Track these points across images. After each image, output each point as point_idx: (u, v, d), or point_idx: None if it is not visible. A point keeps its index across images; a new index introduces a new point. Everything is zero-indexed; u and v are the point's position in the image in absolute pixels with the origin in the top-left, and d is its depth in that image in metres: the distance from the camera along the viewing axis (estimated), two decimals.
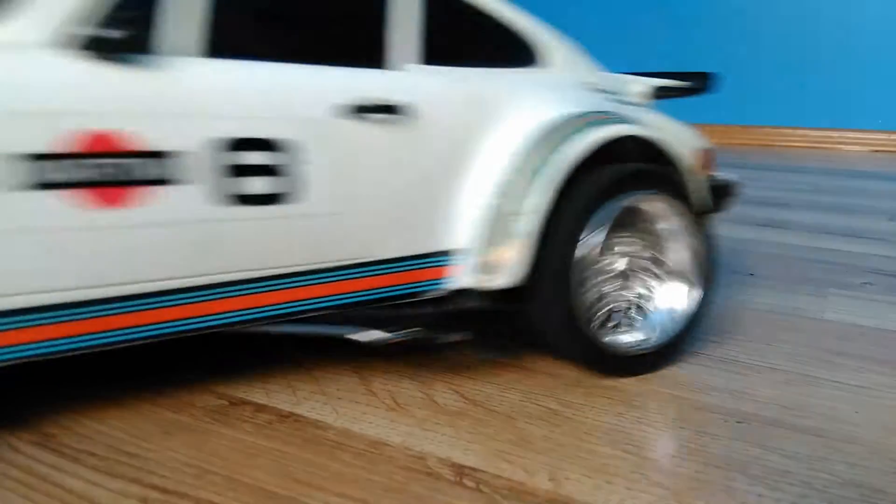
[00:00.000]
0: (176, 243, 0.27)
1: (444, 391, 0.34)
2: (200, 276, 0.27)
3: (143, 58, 0.26)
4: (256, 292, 0.29)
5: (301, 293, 0.30)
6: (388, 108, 0.32)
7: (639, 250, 0.37)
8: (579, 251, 0.33)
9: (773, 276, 0.60)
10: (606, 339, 0.35)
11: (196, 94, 0.27)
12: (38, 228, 0.24)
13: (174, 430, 0.29)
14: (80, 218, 0.25)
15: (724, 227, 0.83)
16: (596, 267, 0.34)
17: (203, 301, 0.27)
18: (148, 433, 0.29)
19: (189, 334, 0.27)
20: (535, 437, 0.30)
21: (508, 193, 0.34)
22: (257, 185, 0.28)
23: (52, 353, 0.25)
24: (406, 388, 0.34)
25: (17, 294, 0.24)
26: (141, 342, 0.26)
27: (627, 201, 0.34)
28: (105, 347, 0.26)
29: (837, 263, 0.66)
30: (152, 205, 0.26)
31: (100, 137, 0.25)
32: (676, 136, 0.39)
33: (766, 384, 0.37)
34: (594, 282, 0.35)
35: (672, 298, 0.37)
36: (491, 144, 0.35)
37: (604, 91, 0.40)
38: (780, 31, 2.48)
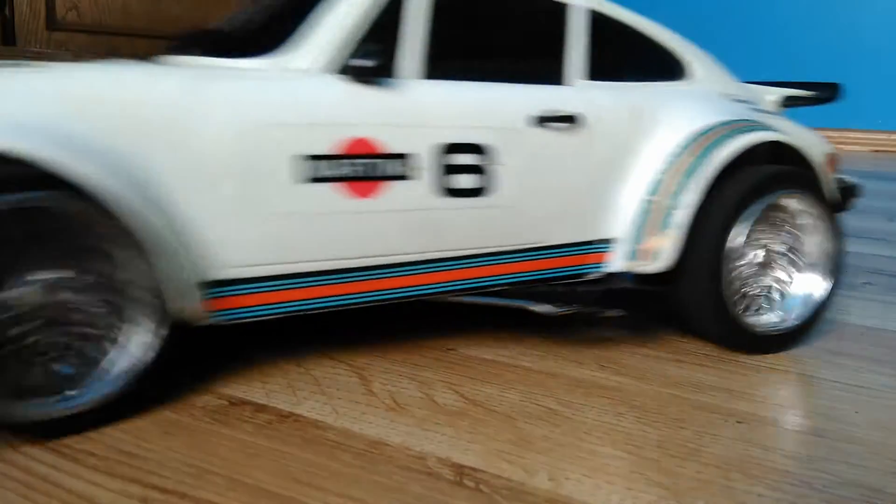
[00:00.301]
0: (406, 226, 0.34)
1: (444, 391, 0.34)
2: (421, 252, 0.34)
3: (386, 81, 0.33)
4: (460, 268, 0.35)
5: (491, 270, 0.37)
6: (565, 118, 0.38)
7: (779, 243, 0.41)
8: (728, 242, 0.37)
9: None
10: (748, 319, 0.40)
11: (423, 109, 0.34)
12: (314, 212, 0.32)
13: (174, 430, 0.29)
14: (342, 204, 0.32)
15: None
16: (740, 256, 0.39)
17: (422, 273, 0.35)
18: (148, 433, 0.29)
19: (410, 300, 0.35)
20: (535, 437, 0.30)
21: (664, 190, 0.39)
22: (465, 181, 0.35)
23: (324, 308, 0.33)
24: (406, 388, 0.34)
25: (298, 261, 0.32)
26: (377, 303, 0.34)
27: (772, 199, 0.39)
28: (358, 306, 0.34)
29: None
30: (391, 195, 0.33)
31: (357, 143, 0.32)
32: (809, 141, 0.43)
33: (766, 384, 0.37)
34: (739, 269, 0.39)
35: (806, 286, 0.41)
36: (648, 149, 0.40)
37: (743, 101, 0.44)
38: (779, 31, 2.48)
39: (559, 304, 0.39)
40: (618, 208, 0.40)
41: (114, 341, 0.29)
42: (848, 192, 0.48)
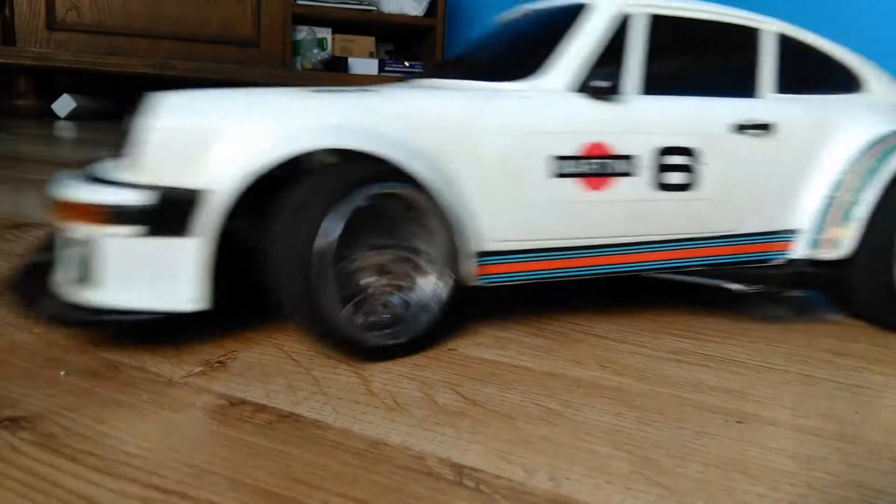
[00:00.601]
0: (628, 213, 0.43)
1: (444, 391, 0.34)
2: (636, 236, 0.43)
3: (615, 97, 0.42)
4: (668, 250, 0.44)
5: (693, 252, 0.45)
6: (759, 126, 0.45)
7: None
8: None
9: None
10: None
11: (643, 118, 0.42)
12: (560, 200, 0.41)
13: (174, 430, 0.29)
14: (581, 195, 0.41)
15: None
16: None
17: (638, 253, 0.44)
18: (148, 433, 0.29)
19: (626, 274, 0.44)
20: (535, 437, 0.30)
21: (845, 188, 0.46)
22: (675, 178, 0.43)
23: (559, 278, 0.42)
24: (406, 388, 0.34)
25: (544, 239, 0.41)
26: (600, 276, 0.43)
27: None
28: (585, 277, 0.43)
29: None
30: (617, 189, 0.42)
31: (594, 146, 0.41)
32: None
33: (766, 384, 0.37)
34: None
35: None
36: (830, 153, 0.47)
37: None
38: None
39: (748, 283, 0.46)
40: (802, 203, 0.47)
41: (419, 293, 0.39)
42: None
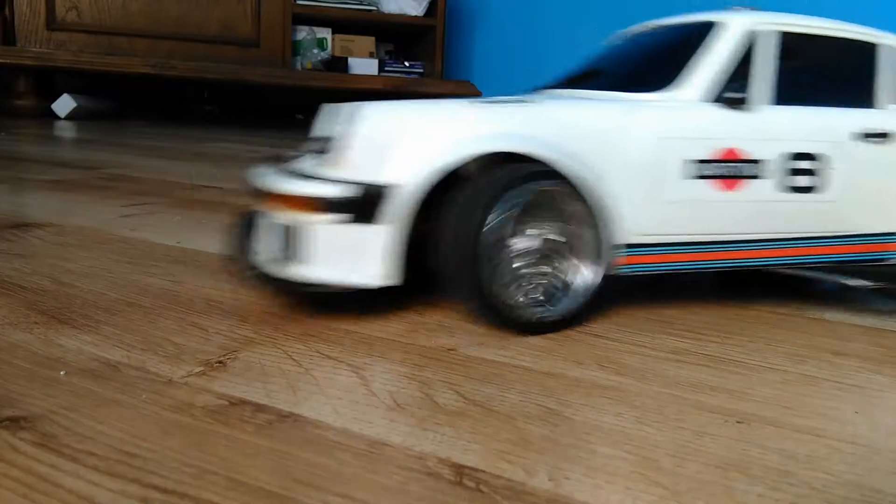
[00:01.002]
0: (756, 213, 0.47)
1: (444, 391, 0.34)
2: (764, 233, 0.48)
3: (747, 106, 0.47)
4: (791, 247, 0.48)
5: (815, 250, 0.49)
6: (881, 135, 0.49)
7: None
8: None
9: (773, 275, 0.60)
10: None
11: (773, 127, 0.47)
12: (694, 200, 0.45)
13: (174, 430, 0.29)
14: (713, 195, 0.46)
15: None
16: None
17: (763, 249, 0.48)
18: (148, 433, 0.29)
19: (751, 269, 0.49)
20: (535, 437, 0.30)
21: None
22: (801, 181, 0.47)
23: (690, 270, 0.47)
24: (406, 388, 0.34)
25: (678, 234, 0.46)
26: (727, 270, 0.48)
27: None
28: (713, 270, 0.48)
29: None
30: (747, 190, 0.46)
31: (727, 151, 0.45)
32: None
33: (766, 384, 0.37)
34: None
35: None
36: None
37: None
38: None
39: (868, 279, 0.52)
40: None
41: (570, 277, 0.44)
42: None
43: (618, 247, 0.44)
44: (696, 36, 0.48)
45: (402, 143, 0.40)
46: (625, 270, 0.45)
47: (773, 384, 0.37)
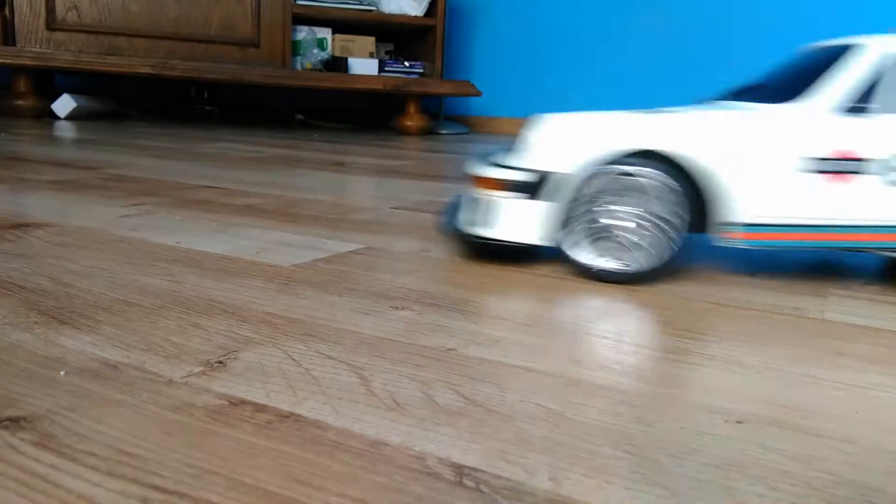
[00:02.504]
0: (863, 202, 0.55)
1: (444, 391, 0.34)
2: (867, 220, 0.56)
3: (867, 115, 0.55)
4: (887, 233, 0.56)
5: None
6: None
7: None
8: None
9: (773, 275, 0.60)
10: None
11: (887, 131, 0.54)
12: (813, 191, 0.55)
13: (174, 430, 0.29)
14: (827, 187, 0.55)
15: None
16: None
17: (864, 233, 0.56)
18: (148, 433, 0.29)
19: (850, 250, 0.57)
20: (535, 437, 0.30)
21: None
22: None
23: (794, 247, 0.57)
24: (406, 388, 0.34)
25: (781, 218, 0.56)
26: (828, 249, 0.57)
27: None
28: (815, 248, 0.57)
29: (837, 263, 0.66)
30: (858, 183, 0.55)
31: (841, 152, 0.54)
32: None
33: (766, 384, 0.37)
34: None
35: None
36: None
37: None
38: (779, 31, 2.48)
39: None
40: None
41: (652, 241, 0.55)
42: None
43: (739, 225, 0.56)
44: (840, 56, 0.57)
45: (570, 143, 0.55)
46: (745, 244, 0.56)
47: (773, 384, 0.37)
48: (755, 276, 0.60)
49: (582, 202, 0.55)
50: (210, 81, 2.28)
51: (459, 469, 0.27)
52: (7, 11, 2.06)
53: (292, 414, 0.31)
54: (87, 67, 2.09)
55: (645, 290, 0.54)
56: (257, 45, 2.30)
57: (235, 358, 0.37)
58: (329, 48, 2.41)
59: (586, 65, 2.76)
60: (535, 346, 0.41)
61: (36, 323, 0.40)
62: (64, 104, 2.17)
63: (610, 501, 0.26)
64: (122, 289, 0.48)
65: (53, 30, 2.11)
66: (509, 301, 0.49)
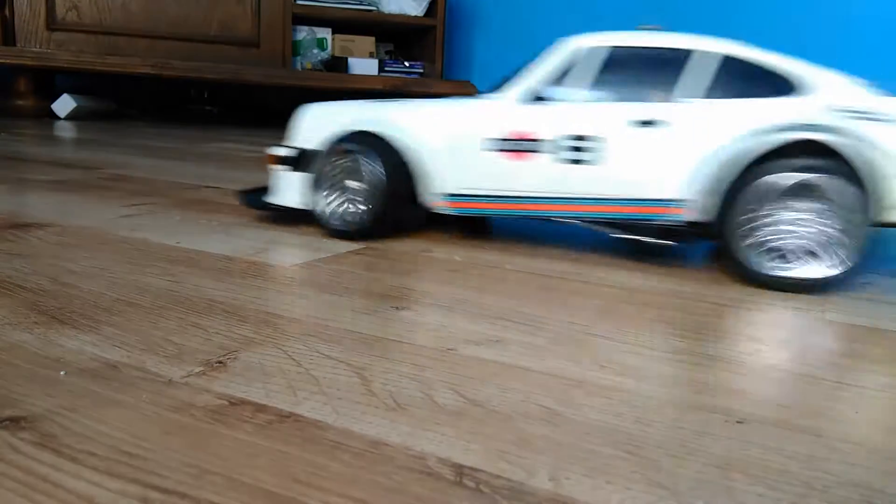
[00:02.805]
0: (539, 177, 0.62)
1: (444, 391, 0.34)
2: (547, 192, 0.62)
3: (548, 102, 0.62)
4: (571, 204, 0.62)
5: (597, 209, 0.62)
6: (649, 122, 0.60)
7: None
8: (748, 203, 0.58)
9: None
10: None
11: (560, 116, 0.62)
12: (491, 166, 0.63)
13: (174, 430, 0.29)
14: (506, 163, 0.62)
15: None
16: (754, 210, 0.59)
17: (546, 204, 0.63)
18: (148, 433, 0.29)
19: (538, 219, 0.64)
20: (535, 437, 0.30)
21: (715, 168, 0.58)
22: (583, 155, 0.61)
23: (489, 215, 0.65)
24: (406, 388, 0.34)
25: (481, 189, 0.64)
26: (518, 218, 0.64)
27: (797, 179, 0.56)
28: (506, 217, 0.67)
29: None
30: (533, 161, 0.62)
31: (518, 134, 0.61)
32: (864, 143, 0.56)
33: (766, 384, 0.37)
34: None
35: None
36: (708, 142, 0.59)
37: (855, 111, 0.57)
38: (779, 31, 2.48)
39: (629, 232, 0.62)
40: (686, 178, 0.59)
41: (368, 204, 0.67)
42: None
43: (442, 194, 0.65)
44: (548, 51, 0.64)
45: (315, 125, 0.69)
46: (451, 211, 0.65)
47: (773, 384, 0.37)
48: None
49: (327, 172, 0.67)
50: (210, 81, 2.28)
51: (459, 469, 0.27)
52: (7, 11, 2.06)
53: (292, 414, 0.31)
54: (87, 67, 2.09)
55: (645, 291, 0.54)
56: (257, 45, 2.30)
57: (235, 358, 0.37)
58: (329, 48, 2.41)
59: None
60: (535, 346, 0.41)
61: (36, 323, 0.40)
62: (64, 104, 2.17)
63: (610, 501, 0.26)
64: (122, 289, 0.48)
65: (53, 30, 2.10)
66: (509, 301, 0.49)
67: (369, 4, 2.39)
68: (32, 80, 2.16)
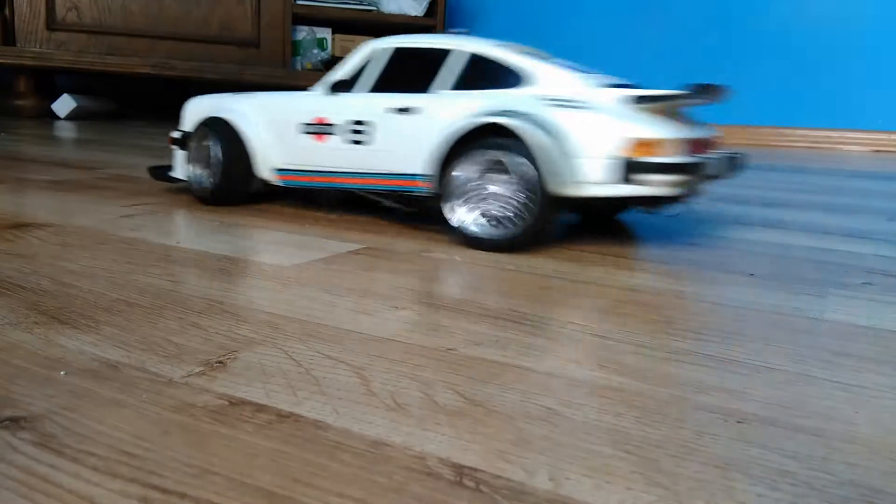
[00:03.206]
0: (335, 155, 0.75)
1: (444, 391, 0.34)
2: (341, 168, 0.75)
3: (343, 94, 0.77)
4: (357, 178, 0.75)
5: (372, 182, 0.75)
6: (404, 109, 0.72)
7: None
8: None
9: (773, 276, 0.60)
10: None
11: (348, 105, 0.75)
12: (304, 146, 0.78)
13: (174, 430, 0.29)
14: (313, 144, 0.76)
15: (725, 227, 0.83)
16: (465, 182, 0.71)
17: (341, 177, 0.77)
18: (148, 433, 0.29)
19: (335, 190, 0.77)
20: (535, 437, 0.30)
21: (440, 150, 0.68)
22: (359, 137, 0.74)
23: (306, 187, 0.79)
24: (406, 388, 0.34)
25: (299, 165, 0.79)
26: (323, 189, 0.78)
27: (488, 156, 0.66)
28: (316, 189, 0.79)
29: (837, 263, 0.66)
30: (329, 142, 0.75)
31: (318, 118, 0.78)
32: (538, 128, 0.64)
33: (766, 384, 0.37)
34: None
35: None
36: (444, 127, 0.69)
37: (554, 99, 0.66)
38: (779, 31, 2.48)
39: (392, 201, 0.74)
40: (428, 157, 0.70)
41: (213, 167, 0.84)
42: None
43: (271, 169, 0.80)
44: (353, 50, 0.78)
45: (192, 113, 0.87)
46: (280, 184, 0.79)
47: (773, 384, 0.37)
48: (755, 276, 0.60)
49: (194, 150, 0.82)
50: (210, 81, 2.28)
51: (459, 469, 0.27)
52: (7, 11, 2.06)
53: (292, 414, 0.31)
54: (87, 67, 2.09)
55: (645, 291, 0.54)
56: (257, 45, 2.30)
57: (235, 358, 0.37)
58: (329, 48, 2.41)
59: (585, 65, 2.75)
60: (535, 346, 0.41)
61: (36, 323, 0.40)
62: (64, 104, 2.17)
63: (610, 501, 0.26)
64: (122, 289, 0.48)
65: (53, 30, 2.10)
66: (509, 301, 0.49)
67: (369, 4, 2.39)
68: (32, 80, 2.16)
